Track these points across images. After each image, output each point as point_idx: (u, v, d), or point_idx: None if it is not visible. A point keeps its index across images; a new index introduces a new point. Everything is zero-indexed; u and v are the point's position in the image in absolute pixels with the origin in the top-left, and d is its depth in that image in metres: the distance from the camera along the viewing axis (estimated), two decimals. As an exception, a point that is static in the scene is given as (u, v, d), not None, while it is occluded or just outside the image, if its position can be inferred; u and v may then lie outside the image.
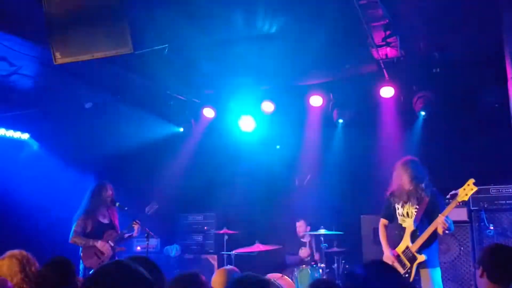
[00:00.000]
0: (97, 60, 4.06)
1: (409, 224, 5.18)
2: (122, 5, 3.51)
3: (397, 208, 5.31)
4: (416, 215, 5.14)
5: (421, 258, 5.05)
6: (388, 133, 7.73)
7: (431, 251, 5.12)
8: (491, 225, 6.43)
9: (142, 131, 8.53)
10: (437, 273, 5.11)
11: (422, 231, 5.09)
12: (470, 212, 6.67)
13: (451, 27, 5.88)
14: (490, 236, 6.46)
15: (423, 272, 5.06)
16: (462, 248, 6.58)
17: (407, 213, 5.22)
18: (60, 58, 3.72)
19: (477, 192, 6.67)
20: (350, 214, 7.62)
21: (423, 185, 5.20)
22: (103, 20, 3.60)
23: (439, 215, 4.96)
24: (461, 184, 6.81)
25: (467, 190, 5.01)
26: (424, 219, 5.14)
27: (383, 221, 5.51)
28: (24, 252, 3.44)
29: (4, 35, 5.13)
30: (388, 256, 5.25)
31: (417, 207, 5.17)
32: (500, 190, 6.64)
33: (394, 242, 5.33)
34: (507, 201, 6.62)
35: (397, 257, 5.19)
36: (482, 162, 6.89)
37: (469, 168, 6.84)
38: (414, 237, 5.13)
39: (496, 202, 6.60)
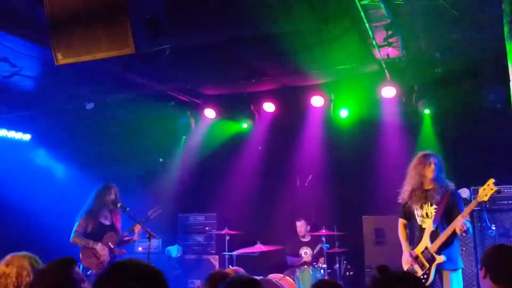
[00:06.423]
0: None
1: (428, 225, 5.04)
2: (124, 6, 3.51)
3: (415, 209, 5.16)
4: (435, 215, 5.00)
5: (440, 259, 4.92)
6: (389, 133, 7.74)
7: (451, 252, 4.98)
8: (493, 225, 6.41)
9: (142, 131, 8.53)
10: (458, 276, 4.97)
11: (442, 232, 4.96)
12: (472, 212, 6.62)
13: (452, 27, 5.87)
14: (492, 237, 6.45)
15: (445, 274, 4.94)
16: (464, 248, 6.55)
17: (427, 214, 5.07)
18: (61, 59, 3.72)
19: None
20: (352, 215, 7.62)
21: (443, 184, 5.07)
22: (105, 21, 3.59)
23: (458, 216, 4.86)
24: (462, 184, 6.85)
25: (487, 191, 4.83)
26: (444, 219, 5.02)
27: (402, 221, 5.36)
28: (36, 257, 3.44)
29: (6, 35, 5.13)
30: (406, 259, 5.15)
31: (436, 207, 5.02)
32: (502, 190, 6.61)
33: (414, 244, 5.20)
34: (509, 201, 6.61)
35: (416, 258, 5.08)
36: (483, 162, 6.88)
37: (471, 168, 6.85)
38: (433, 237, 4.99)
39: (498, 202, 6.59)
